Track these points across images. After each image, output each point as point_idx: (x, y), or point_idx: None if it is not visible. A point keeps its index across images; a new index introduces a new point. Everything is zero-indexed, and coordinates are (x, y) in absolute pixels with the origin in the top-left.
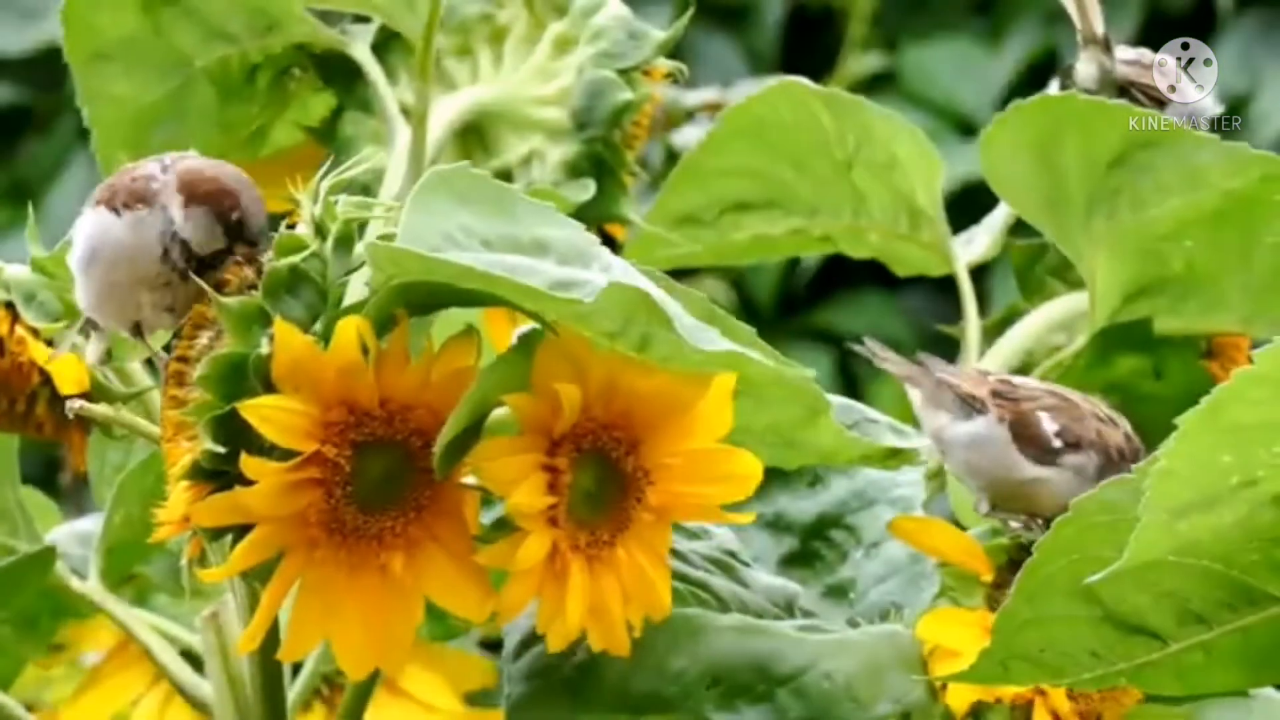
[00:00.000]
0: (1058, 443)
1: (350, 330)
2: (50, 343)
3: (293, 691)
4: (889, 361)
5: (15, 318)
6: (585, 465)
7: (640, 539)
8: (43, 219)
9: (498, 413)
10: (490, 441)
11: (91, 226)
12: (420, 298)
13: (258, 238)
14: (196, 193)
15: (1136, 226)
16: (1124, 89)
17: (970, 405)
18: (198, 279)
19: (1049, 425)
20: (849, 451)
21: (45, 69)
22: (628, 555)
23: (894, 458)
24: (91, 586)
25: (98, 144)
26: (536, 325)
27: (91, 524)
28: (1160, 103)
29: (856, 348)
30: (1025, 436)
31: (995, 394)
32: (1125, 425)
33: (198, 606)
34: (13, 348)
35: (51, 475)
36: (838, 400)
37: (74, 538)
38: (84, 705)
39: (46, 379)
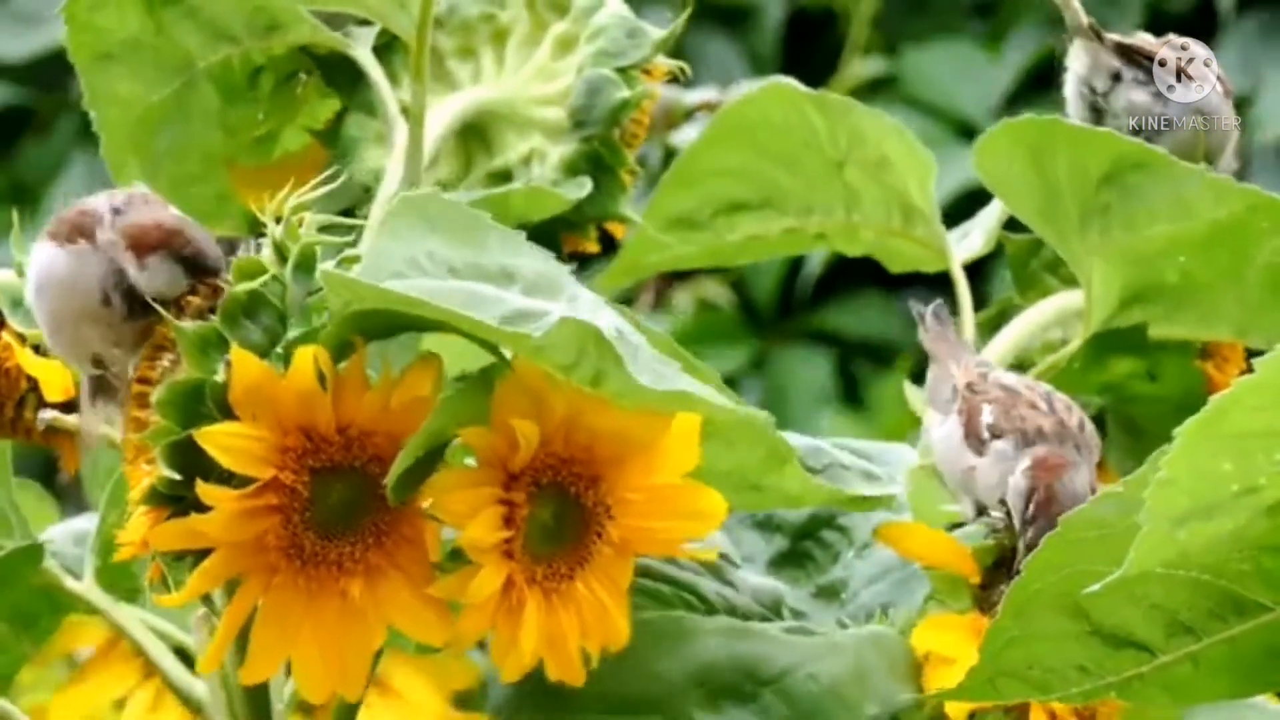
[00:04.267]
0: (986, 434)
1: (307, 357)
2: (37, 349)
3: (285, 692)
4: (927, 336)
5: (1, 324)
6: (544, 499)
7: (600, 573)
8: (42, 221)
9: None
10: (446, 473)
11: (39, 259)
12: (378, 324)
13: (218, 266)
14: (146, 243)
15: (1129, 243)
16: (1117, 75)
17: (954, 399)
18: (155, 305)
19: (986, 418)
20: (815, 497)
21: (45, 70)
22: (587, 589)
23: (863, 504)
24: (86, 586)
25: (105, 146)
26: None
27: (87, 523)
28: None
29: (913, 308)
30: (969, 429)
31: (969, 385)
32: (1064, 413)
33: (189, 605)
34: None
35: (50, 474)
36: (807, 442)
37: (70, 537)
38: (71, 700)
39: (34, 385)
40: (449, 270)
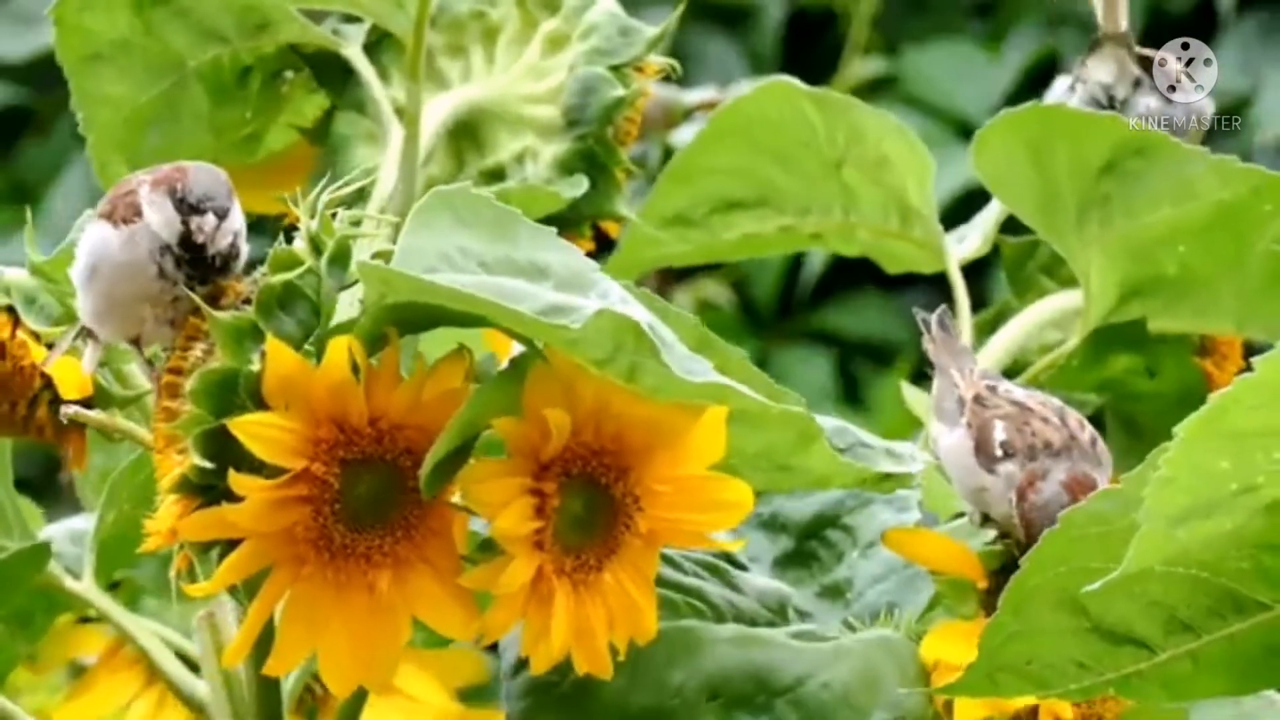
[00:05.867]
0: (999, 452)
1: (341, 348)
2: (51, 346)
3: (286, 691)
4: (931, 344)
5: (16, 321)
6: (574, 490)
7: (628, 564)
8: (42, 220)
9: (490, 433)
10: (477, 464)
11: (92, 241)
12: (412, 317)
13: (207, 206)
14: (156, 183)
15: (1129, 232)
16: (1137, 82)
17: (959, 411)
18: (189, 293)
19: (999, 435)
20: (843, 476)
21: (45, 70)
22: (615, 580)
23: (888, 481)
24: (85, 585)
25: (92, 146)
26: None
27: (85, 522)
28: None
29: (919, 315)
30: (981, 445)
31: (976, 398)
32: (1076, 428)
33: (187, 610)
34: (14, 351)
35: (49, 476)
36: (831, 423)
37: (68, 536)
38: (77, 708)
39: (48, 383)
40: (480, 265)
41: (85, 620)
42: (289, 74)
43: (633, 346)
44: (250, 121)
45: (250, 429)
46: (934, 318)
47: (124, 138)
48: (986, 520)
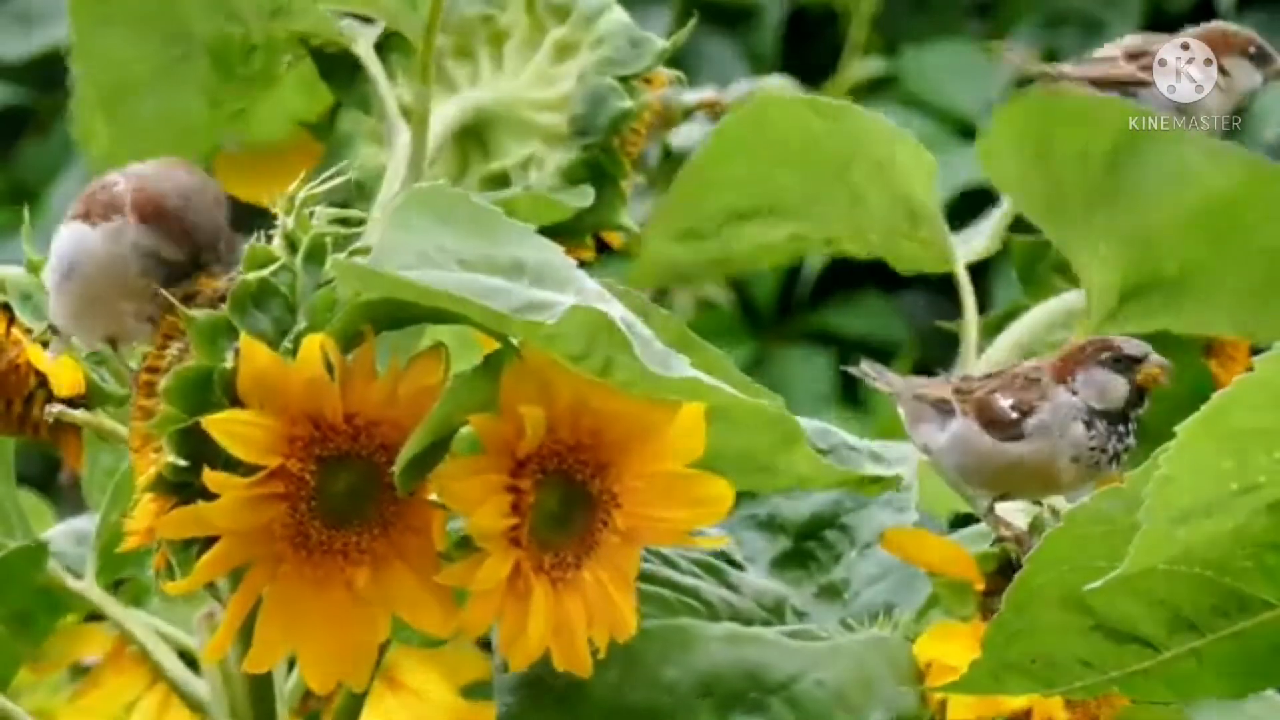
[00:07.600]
0: (1014, 415)
1: (315, 346)
2: (46, 345)
3: (288, 690)
4: (880, 380)
5: (11, 319)
6: (550, 487)
7: (606, 561)
8: (42, 220)
9: (467, 430)
10: (453, 461)
11: (68, 240)
12: (388, 314)
13: (214, 244)
14: (145, 213)
15: (1131, 226)
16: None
17: (942, 409)
18: (165, 293)
19: (1003, 401)
20: (825, 478)
21: (45, 70)
22: (593, 577)
23: (872, 484)
24: (87, 585)
25: (78, 100)
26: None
27: (88, 523)
28: None
29: (853, 370)
30: (989, 420)
31: (956, 391)
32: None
33: (192, 609)
34: (8, 350)
35: (50, 475)
36: (814, 425)
37: (71, 536)
38: (83, 707)
39: (43, 381)
40: (459, 262)
41: (88, 620)
42: (290, 58)
43: (607, 342)
44: (247, 100)
45: (225, 426)
46: (863, 367)
47: (115, 97)
48: (992, 512)
